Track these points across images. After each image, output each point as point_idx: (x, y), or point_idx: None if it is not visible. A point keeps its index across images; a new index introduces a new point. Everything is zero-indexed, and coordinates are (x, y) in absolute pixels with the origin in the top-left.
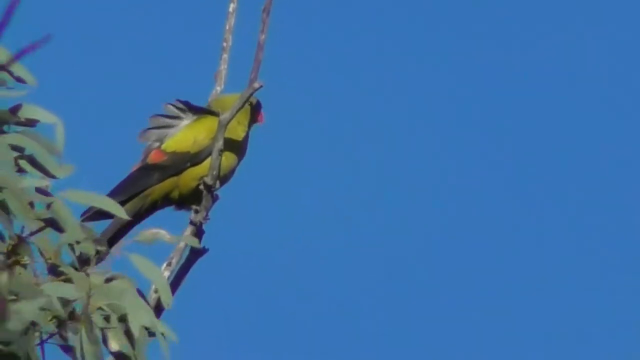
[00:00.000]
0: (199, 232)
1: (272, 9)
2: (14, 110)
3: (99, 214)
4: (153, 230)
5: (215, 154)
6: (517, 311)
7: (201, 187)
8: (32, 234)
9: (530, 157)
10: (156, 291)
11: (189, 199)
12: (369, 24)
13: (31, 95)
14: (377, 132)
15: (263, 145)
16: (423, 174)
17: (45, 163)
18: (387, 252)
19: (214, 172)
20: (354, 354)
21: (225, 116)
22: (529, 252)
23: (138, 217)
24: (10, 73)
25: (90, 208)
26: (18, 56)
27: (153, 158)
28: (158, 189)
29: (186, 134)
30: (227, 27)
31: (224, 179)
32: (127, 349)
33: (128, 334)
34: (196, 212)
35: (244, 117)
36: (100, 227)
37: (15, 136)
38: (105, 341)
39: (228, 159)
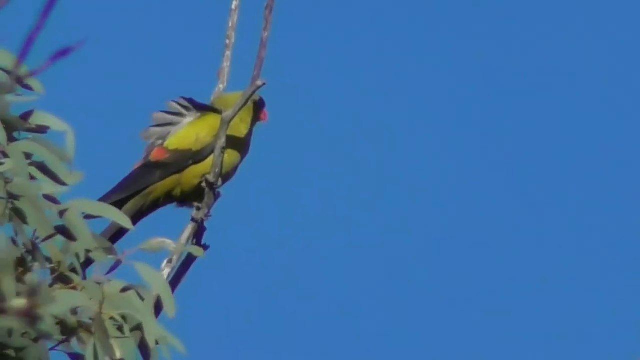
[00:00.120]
0: (200, 230)
1: (274, 7)
2: (25, 116)
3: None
4: (159, 239)
5: (217, 151)
6: (517, 311)
7: (203, 184)
8: (42, 240)
9: (530, 157)
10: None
11: (191, 197)
12: (370, 22)
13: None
14: (379, 131)
15: (265, 143)
16: (423, 174)
17: (56, 170)
18: (387, 252)
19: (216, 170)
20: (354, 354)
21: (228, 114)
22: (529, 252)
23: (140, 215)
24: (19, 81)
25: None
26: (53, 60)
27: (155, 155)
28: (160, 187)
29: (189, 132)
30: (230, 25)
31: (226, 176)
32: (130, 358)
33: (141, 345)
34: (198, 209)
35: (246, 114)
36: (100, 224)
37: (26, 143)
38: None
39: (230, 156)
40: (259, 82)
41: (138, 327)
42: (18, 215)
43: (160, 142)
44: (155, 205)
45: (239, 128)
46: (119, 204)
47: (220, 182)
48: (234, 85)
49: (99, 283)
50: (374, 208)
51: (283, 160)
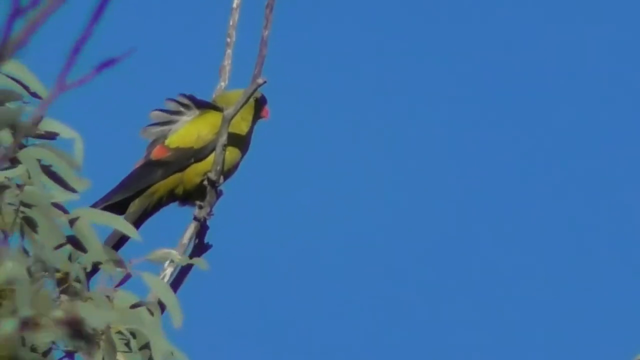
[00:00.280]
0: (202, 228)
1: (275, 5)
2: (35, 122)
3: (105, 210)
4: (164, 250)
5: (219, 149)
6: (517, 311)
7: (205, 182)
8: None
9: (530, 157)
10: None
11: (193, 195)
12: (372, 20)
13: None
14: (380, 129)
15: (267, 141)
16: (423, 174)
17: (66, 177)
18: (387, 252)
19: (218, 168)
20: (354, 354)
21: (229, 111)
22: (529, 252)
23: (145, 215)
24: (26, 88)
25: (95, 204)
26: (99, 69)
27: (156, 154)
28: (162, 186)
29: (189, 130)
30: (231, 23)
31: (227, 173)
32: None
33: None
34: (200, 207)
35: (247, 112)
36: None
37: (37, 150)
38: None
39: (231, 153)
40: (260, 80)
41: (146, 345)
42: (29, 224)
43: (161, 140)
44: (159, 205)
45: (240, 126)
46: (121, 204)
47: (222, 180)
48: (235, 83)
49: (108, 296)
50: (374, 206)
51: (284, 158)
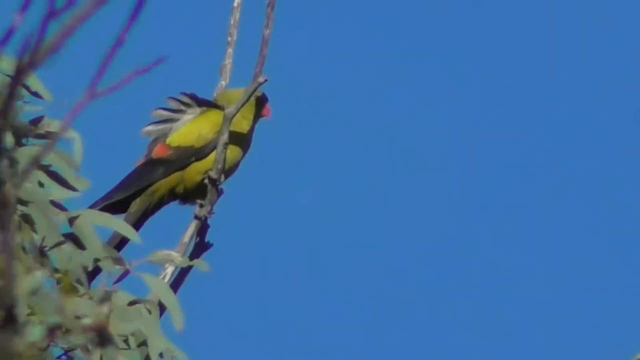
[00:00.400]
0: (203, 227)
1: (276, 4)
2: (35, 122)
3: (106, 208)
4: (165, 251)
5: (220, 147)
6: (517, 311)
7: (206, 181)
8: (50, 248)
9: (530, 157)
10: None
11: (193, 194)
12: (373, 19)
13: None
14: (381, 128)
15: (268, 139)
16: (424, 174)
17: (65, 176)
18: (387, 252)
19: (219, 166)
20: (354, 353)
21: (230, 110)
22: (529, 252)
23: (146, 215)
24: (27, 88)
25: (96, 203)
26: (130, 78)
27: (157, 152)
28: (163, 185)
29: (190, 128)
30: (232, 22)
31: (228, 172)
32: None
33: (147, 358)
34: (201, 206)
35: (248, 111)
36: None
37: (33, 148)
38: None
39: (232, 152)
40: (261, 79)
41: (144, 342)
42: (27, 221)
43: (162, 138)
44: (160, 203)
45: (241, 124)
46: (122, 203)
47: (222, 178)
48: (236, 81)
49: (108, 294)
50: (375, 206)
51: (285, 157)
